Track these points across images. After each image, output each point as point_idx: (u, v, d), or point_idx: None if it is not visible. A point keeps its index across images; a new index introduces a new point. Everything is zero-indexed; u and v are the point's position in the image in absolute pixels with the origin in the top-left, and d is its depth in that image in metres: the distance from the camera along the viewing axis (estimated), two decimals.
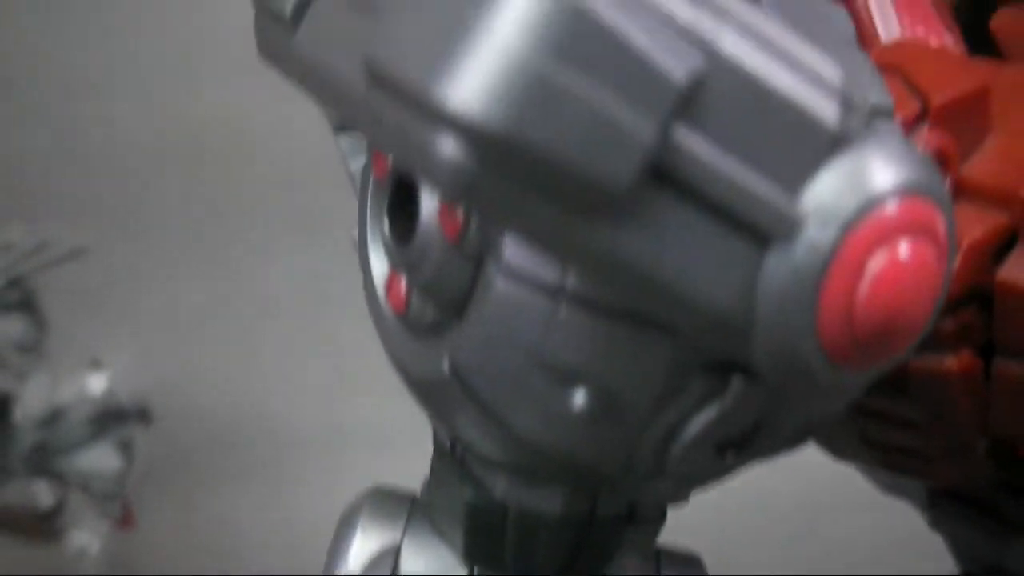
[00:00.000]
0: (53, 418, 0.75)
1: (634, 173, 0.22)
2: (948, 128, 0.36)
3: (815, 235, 0.24)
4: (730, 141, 0.24)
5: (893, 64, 0.37)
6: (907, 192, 0.25)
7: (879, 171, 0.25)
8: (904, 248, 0.25)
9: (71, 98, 0.94)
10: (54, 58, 0.97)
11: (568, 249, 0.24)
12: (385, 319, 0.31)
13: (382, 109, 0.25)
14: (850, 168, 0.25)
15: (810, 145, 0.24)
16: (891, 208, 0.25)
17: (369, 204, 0.32)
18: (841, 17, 0.32)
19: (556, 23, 0.22)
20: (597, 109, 0.22)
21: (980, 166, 0.37)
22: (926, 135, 0.36)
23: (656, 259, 0.24)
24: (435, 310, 0.30)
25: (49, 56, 0.97)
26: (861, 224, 0.25)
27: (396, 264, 0.31)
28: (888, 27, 0.40)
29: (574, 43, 0.22)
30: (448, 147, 0.21)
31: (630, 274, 0.24)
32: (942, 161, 0.36)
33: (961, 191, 0.37)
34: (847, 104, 0.25)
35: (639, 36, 0.22)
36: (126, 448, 0.77)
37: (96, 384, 0.77)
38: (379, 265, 0.31)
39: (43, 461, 0.75)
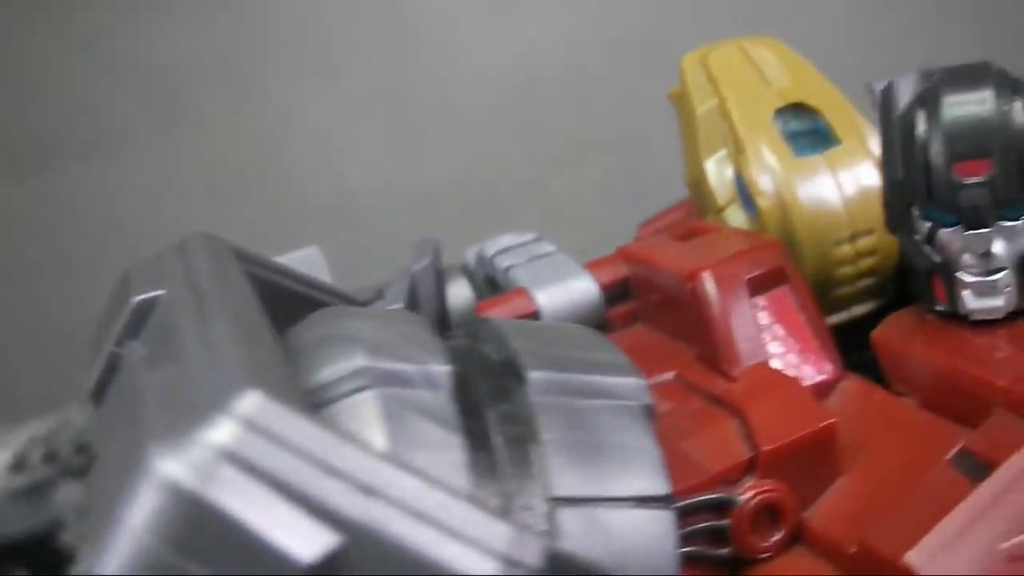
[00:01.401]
0: None
1: None
2: (781, 475, 0.35)
3: None
4: None
5: (734, 404, 0.37)
6: None
7: None
8: None
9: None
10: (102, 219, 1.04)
11: None
12: None
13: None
14: None
15: None
16: None
17: None
18: (630, 389, 0.32)
19: (179, 516, 0.23)
20: None
21: (821, 513, 0.36)
22: (753, 485, 0.35)
23: None
24: None
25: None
26: None
27: None
28: (753, 350, 0.39)
29: (196, 534, 0.23)
30: None
31: None
32: (774, 512, 0.35)
33: (802, 537, 0.36)
34: (510, 562, 0.25)
35: (263, 524, 0.24)
36: None
37: None
38: None
39: None
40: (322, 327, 0.33)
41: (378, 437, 0.29)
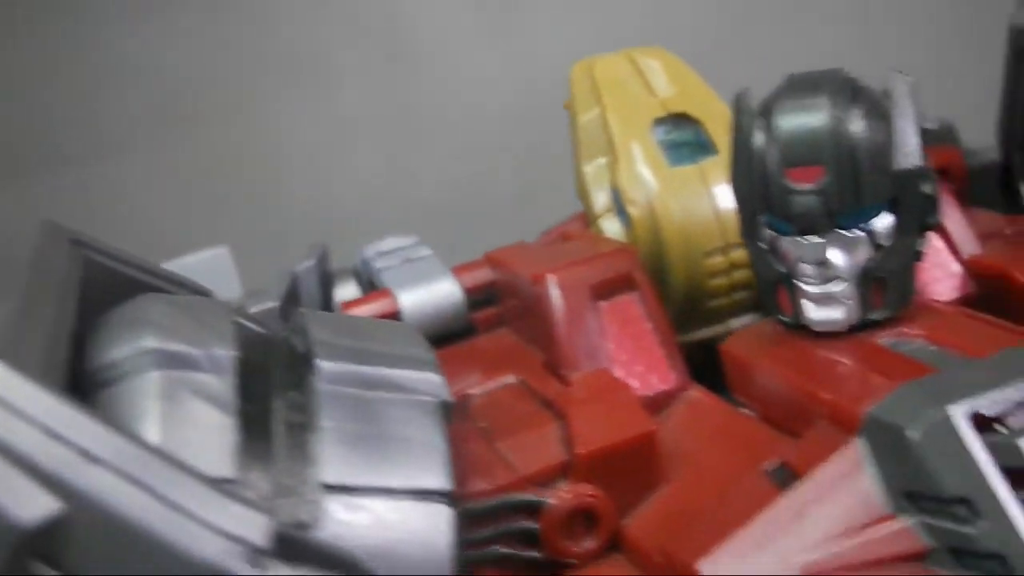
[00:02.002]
0: None
1: None
2: (599, 480, 0.35)
3: None
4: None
5: (560, 408, 0.36)
6: None
7: None
8: None
9: None
10: None
11: None
12: None
13: None
14: None
15: None
16: None
17: None
18: (427, 384, 0.32)
19: None
20: None
21: (639, 521, 0.35)
22: (567, 488, 0.34)
23: None
24: None
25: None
26: None
27: None
28: (592, 355, 0.38)
29: None
30: None
31: None
32: (591, 517, 0.35)
33: (620, 544, 0.35)
34: (232, 538, 0.25)
35: None
36: None
37: None
38: None
39: None
40: (126, 310, 0.33)
41: (153, 416, 0.29)
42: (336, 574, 0.27)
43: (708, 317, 0.44)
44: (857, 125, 0.35)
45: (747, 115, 0.37)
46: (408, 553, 0.30)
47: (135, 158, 1.09)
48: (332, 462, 0.30)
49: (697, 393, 0.39)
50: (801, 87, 0.36)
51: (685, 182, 0.43)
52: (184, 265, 0.52)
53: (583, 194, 0.47)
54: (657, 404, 0.38)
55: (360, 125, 1.10)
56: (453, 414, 0.37)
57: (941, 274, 0.44)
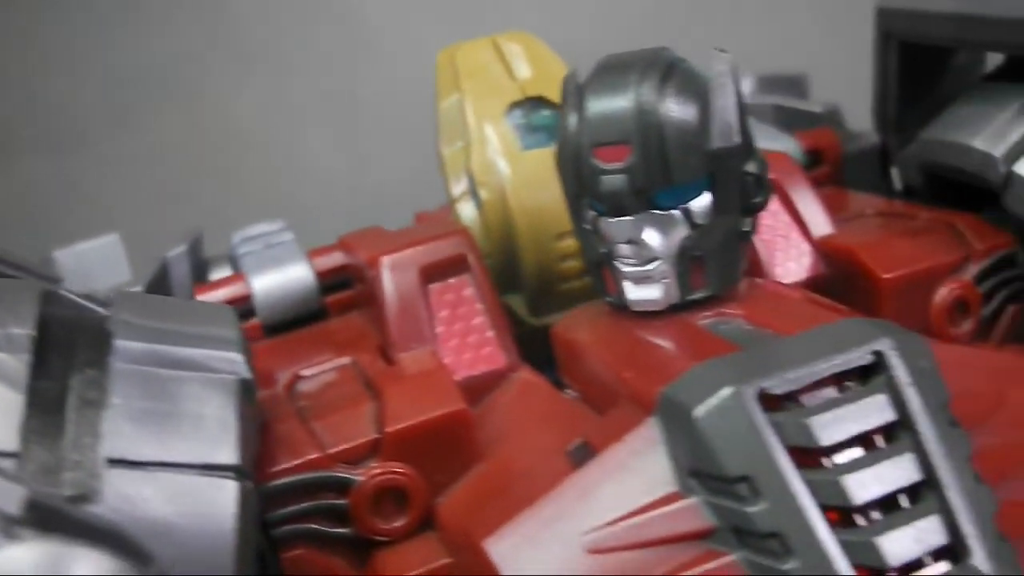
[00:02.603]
0: None
1: None
2: (410, 459, 0.35)
3: None
4: None
5: (378, 388, 0.37)
6: None
7: None
8: None
9: None
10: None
11: None
12: None
13: None
14: None
15: None
16: None
17: None
18: (225, 362, 0.33)
19: None
20: None
21: (450, 499, 0.35)
22: (376, 466, 0.35)
23: None
24: None
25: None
26: None
27: None
28: (419, 336, 0.39)
29: None
30: None
31: None
32: (401, 495, 0.35)
33: (434, 522, 0.36)
34: None
35: None
36: None
37: None
38: None
39: None
40: None
41: None
42: (97, 545, 0.27)
43: (561, 300, 0.44)
44: (666, 104, 0.35)
45: (568, 96, 0.37)
46: (191, 526, 0.30)
47: (89, 148, 1.10)
48: (117, 437, 0.31)
49: (526, 374, 0.39)
50: (613, 68, 0.36)
51: (536, 165, 0.43)
52: (76, 252, 0.53)
53: (444, 178, 0.47)
54: (485, 385, 0.39)
55: (313, 113, 1.11)
56: (287, 394, 0.37)
57: (792, 254, 0.44)
